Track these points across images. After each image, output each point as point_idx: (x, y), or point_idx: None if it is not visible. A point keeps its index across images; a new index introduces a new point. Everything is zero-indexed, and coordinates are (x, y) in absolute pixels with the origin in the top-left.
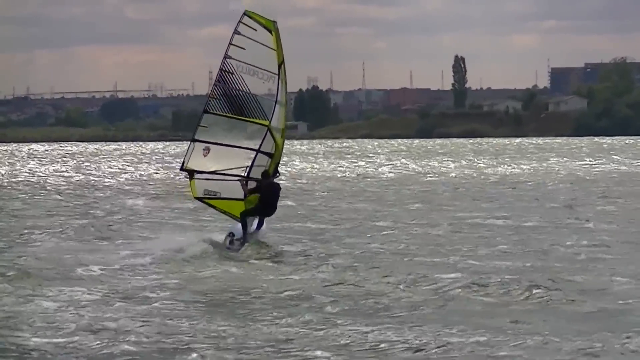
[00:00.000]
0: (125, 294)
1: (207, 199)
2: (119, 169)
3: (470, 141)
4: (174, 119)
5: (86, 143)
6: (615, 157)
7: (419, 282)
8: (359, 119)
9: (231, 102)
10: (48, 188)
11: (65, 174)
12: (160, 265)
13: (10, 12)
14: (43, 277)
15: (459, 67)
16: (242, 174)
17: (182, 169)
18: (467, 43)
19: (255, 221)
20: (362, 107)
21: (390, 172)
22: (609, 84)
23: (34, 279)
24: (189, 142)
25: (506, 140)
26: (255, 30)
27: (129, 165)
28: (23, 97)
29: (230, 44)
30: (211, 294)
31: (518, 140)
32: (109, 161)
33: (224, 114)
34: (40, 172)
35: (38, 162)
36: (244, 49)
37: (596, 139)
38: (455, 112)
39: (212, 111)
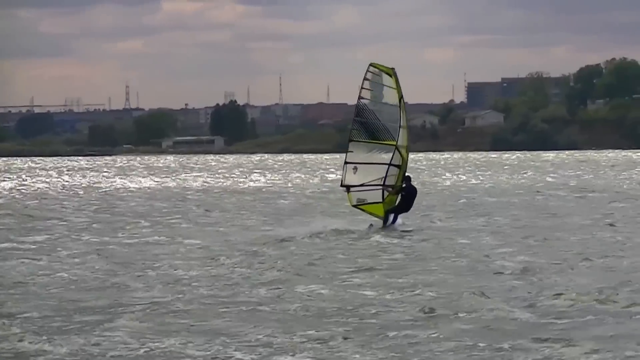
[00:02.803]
0: None
1: (359, 205)
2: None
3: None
4: (91, 134)
5: (5, 158)
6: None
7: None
8: (277, 134)
9: (367, 130)
10: None
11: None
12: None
13: None
14: None
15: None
16: (380, 183)
17: (342, 185)
18: (383, 57)
19: (391, 217)
20: (279, 122)
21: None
22: (525, 99)
23: None
24: (344, 165)
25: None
26: (379, 75)
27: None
28: None
29: (362, 88)
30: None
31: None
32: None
33: (363, 140)
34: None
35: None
36: (372, 90)
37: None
38: None
39: (355, 139)
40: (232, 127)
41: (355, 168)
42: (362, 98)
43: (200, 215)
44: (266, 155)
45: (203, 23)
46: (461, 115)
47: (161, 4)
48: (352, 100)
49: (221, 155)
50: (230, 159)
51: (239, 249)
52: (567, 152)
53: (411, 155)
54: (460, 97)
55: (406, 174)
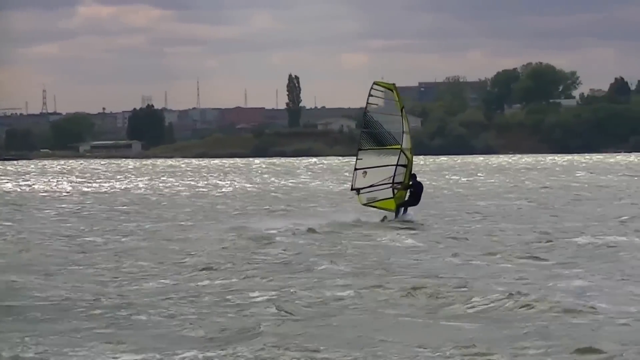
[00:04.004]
0: None
1: (370, 204)
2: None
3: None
4: (8, 138)
5: None
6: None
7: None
8: (194, 138)
9: (374, 138)
10: None
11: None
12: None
13: None
14: None
15: (294, 86)
16: (390, 182)
17: (352, 189)
18: (301, 62)
19: (402, 209)
20: (196, 126)
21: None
22: (443, 103)
23: None
24: (354, 171)
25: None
26: (382, 91)
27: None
28: None
29: (367, 103)
30: None
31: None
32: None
33: (371, 147)
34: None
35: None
36: (377, 105)
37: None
38: (290, 131)
39: (363, 148)
40: (150, 132)
41: (365, 172)
42: (368, 112)
43: None
44: (169, 160)
45: (119, 27)
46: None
47: (77, 9)
48: (270, 105)
49: (137, 159)
50: (131, 163)
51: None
52: (481, 156)
53: (313, 159)
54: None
55: (412, 173)
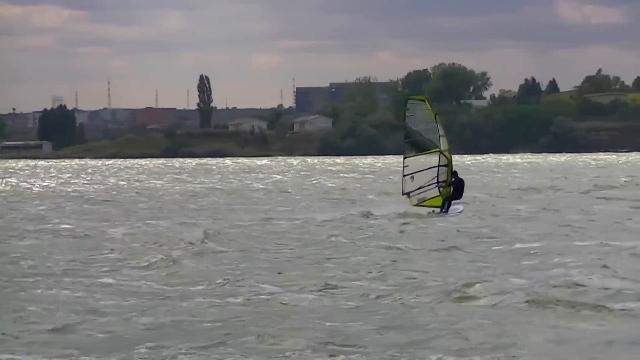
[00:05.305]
0: None
1: (421, 204)
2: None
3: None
4: None
5: None
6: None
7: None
8: (105, 139)
9: (415, 146)
10: None
11: None
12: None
13: None
14: None
15: (204, 86)
16: (435, 181)
17: (403, 193)
18: (212, 62)
19: (447, 204)
20: (107, 127)
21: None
22: (354, 104)
23: None
24: (402, 177)
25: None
26: (415, 104)
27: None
28: None
29: (405, 116)
30: None
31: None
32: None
33: (414, 154)
34: None
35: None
36: (413, 115)
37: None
38: (201, 131)
39: (407, 156)
40: (60, 132)
41: (412, 177)
42: (407, 123)
43: None
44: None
45: (28, 27)
46: (290, 120)
47: None
48: (181, 105)
49: (48, 160)
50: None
51: None
52: (392, 157)
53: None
54: (289, 102)
55: (453, 170)
